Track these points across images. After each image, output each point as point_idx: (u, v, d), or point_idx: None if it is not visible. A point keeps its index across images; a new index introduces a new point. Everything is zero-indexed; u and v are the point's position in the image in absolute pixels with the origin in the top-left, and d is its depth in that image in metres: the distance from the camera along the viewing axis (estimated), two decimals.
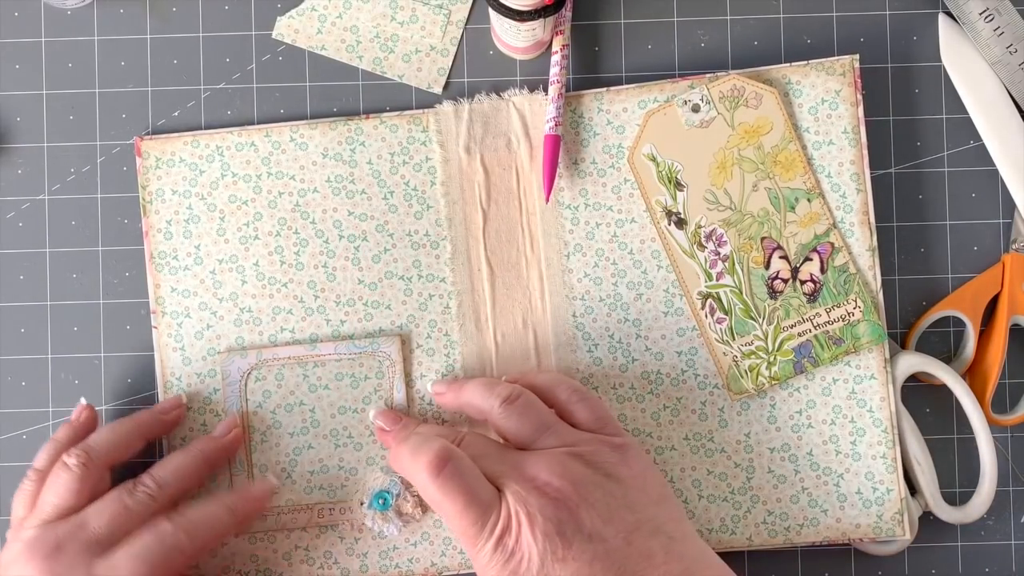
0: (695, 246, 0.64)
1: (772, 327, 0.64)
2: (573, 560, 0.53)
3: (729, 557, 0.65)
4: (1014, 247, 0.65)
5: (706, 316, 0.64)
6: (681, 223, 0.64)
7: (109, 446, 0.60)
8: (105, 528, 0.57)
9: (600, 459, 0.56)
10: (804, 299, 0.64)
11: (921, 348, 0.66)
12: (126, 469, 0.62)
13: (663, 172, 0.64)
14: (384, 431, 0.62)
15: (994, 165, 0.66)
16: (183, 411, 0.64)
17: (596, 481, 0.55)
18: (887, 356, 0.64)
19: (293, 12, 0.66)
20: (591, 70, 0.66)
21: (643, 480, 0.57)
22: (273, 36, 0.66)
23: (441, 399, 0.63)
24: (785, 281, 0.64)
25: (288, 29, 0.66)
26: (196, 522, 0.59)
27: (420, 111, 0.65)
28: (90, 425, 0.62)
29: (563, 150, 0.64)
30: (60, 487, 0.58)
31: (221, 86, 0.66)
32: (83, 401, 0.63)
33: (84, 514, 0.58)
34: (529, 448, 0.57)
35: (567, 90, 0.65)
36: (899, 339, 0.66)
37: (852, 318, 0.63)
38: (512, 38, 0.63)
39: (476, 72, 0.66)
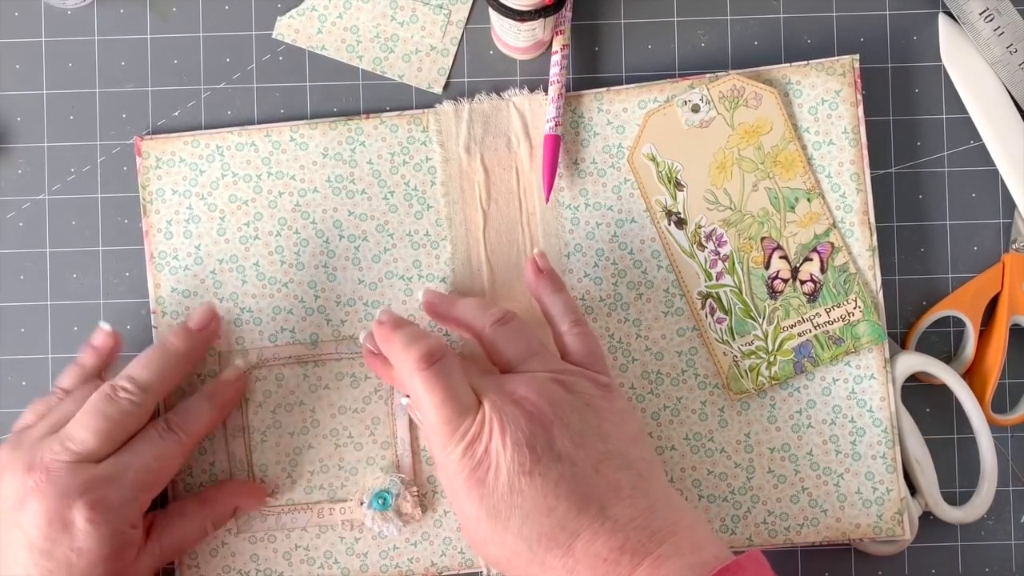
0: (695, 246, 0.64)
1: (772, 327, 0.64)
2: (539, 476, 0.53)
3: None
4: (1014, 247, 0.65)
5: (706, 316, 0.64)
6: (681, 223, 0.64)
7: (161, 387, 0.60)
8: (143, 472, 0.58)
9: (581, 389, 0.57)
10: (804, 299, 0.64)
11: (921, 348, 0.66)
12: None
13: (663, 172, 0.64)
14: (372, 353, 0.62)
15: (994, 165, 0.66)
16: (219, 321, 0.63)
17: (574, 406, 0.55)
18: (887, 356, 0.64)
19: (293, 12, 0.66)
20: (591, 70, 0.66)
21: (621, 417, 0.57)
22: (273, 36, 0.66)
23: (431, 309, 0.62)
24: (785, 281, 0.64)
25: (288, 29, 0.66)
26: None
27: (420, 111, 0.65)
28: (114, 352, 0.62)
29: (563, 150, 0.64)
30: (104, 422, 0.57)
31: (221, 86, 0.66)
32: (106, 326, 0.62)
33: (122, 459, 0.57)
34: (514, 371, 0.58)
35: (567, 90, 0.65)
36: (899, 339, 0.66)
37: (852, 318, 0.63)
38: (512, 38, 0.63)
39: (476, 72, 0.66)
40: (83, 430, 0.57)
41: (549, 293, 0.61)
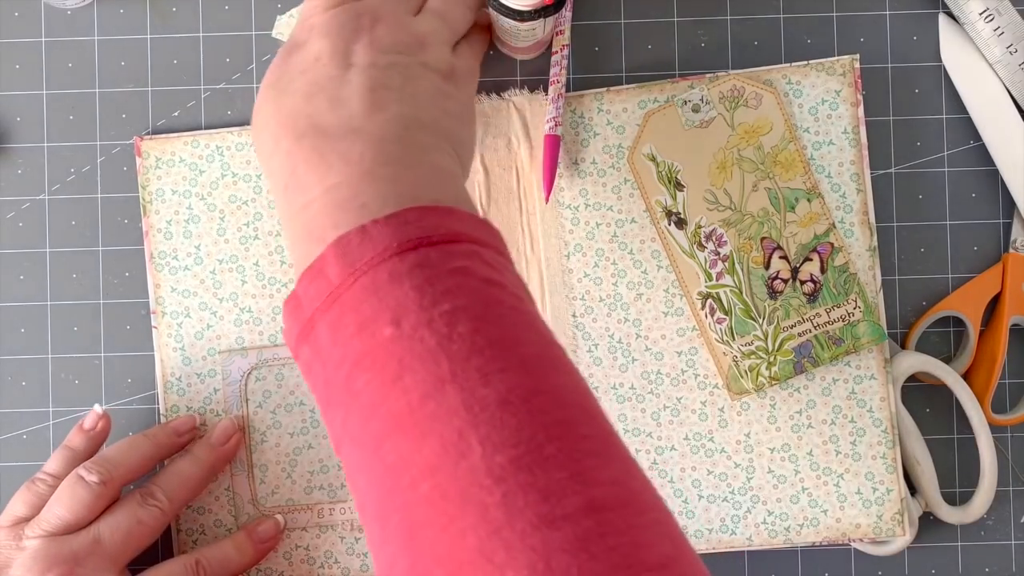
0: (695, 246, 0.64)
1: (772, 327, 0.64)
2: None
3: (729, 557, 0.65)
4: (1014, 247, 0.65)
5: (706, 316, 0.64)
6: (681, 223, 0.64)
7: (129, 467, 0.60)
8: (120, 543, 0.58)
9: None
10: (804, 299, 0.64)
11: (921, 348, 0.66)
12: None
13: (663, 172, 0.64)
14: None
15: (994, 165, 0.65)
16: (196, 433, 0.64)
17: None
18: (887, 356, 0.64)
19: (293, 11, 0.66)
20: (591, 70, 0.66)
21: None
22: (273, 35, 0.66)
23: None
24: (785, 281, 0.64)
25: (288, 28, 0.66)
26: (214, 563, 0.61)
27: None
28: (105, 435, 0.62)
29: (563, 150, 0.64)
30: (75, 503, 0.58)
31: (221, 86, 0.66)
32: (99, 409, 0.62)
33: (97, 528, 0.58)
34: None
35: (567, 90, 0.65)
36: (899, 339, 0.66)
37: (852, 318, 0.63)
38: (512, 38, 0.63)
39: None
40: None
41: None
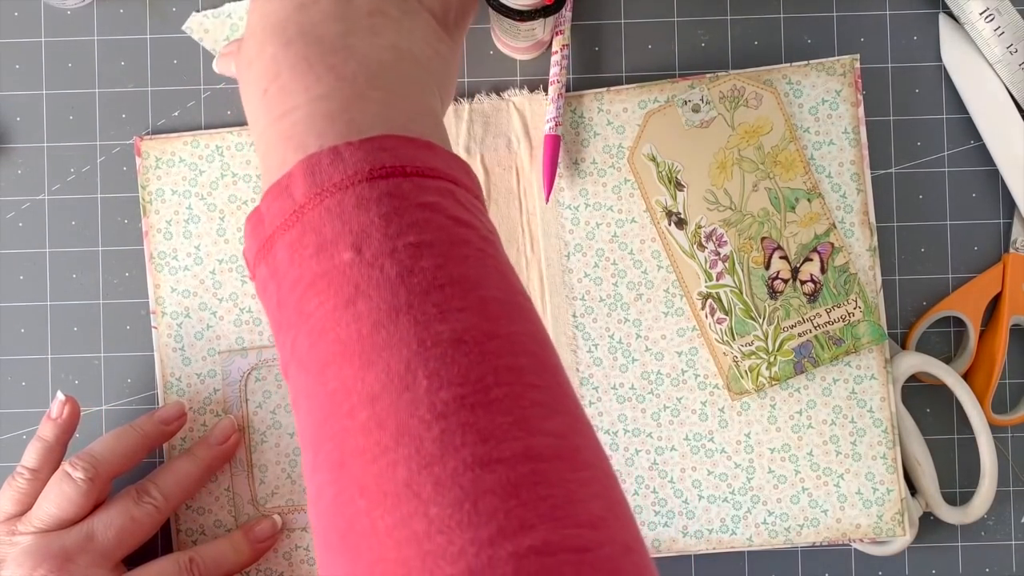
0: (695, 246, 0.64)
1: (772, 327, 0.64)
2: None
3: (729, 557, 0.65)
4: (1014, 247, 0.65)
5: (706, 316, 0.64)
6: (681, 223, 0.64)
7: (115, 459, 0.60)
8: (113, 540, 0.58)
9: None
10: (804, 299, 0.64)
11: (921, 348, 0.66)
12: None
13: (663, 172, 0.64)
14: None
15: (994, 165, 0.65)
16: (185, 419, 0.63)
17: None
18: (887, 356, 0.64)
19: (209, 12, 0.66)
20: (591, 70, 0.66)
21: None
22: (183, 29, 0.65)
23: None
24: (785, 281, 0.64)
25: (200, 28, 0.65)
26: (208, 561, 0.61)
27: None
28: (74, 420, 0.61)
29: (563, 150, 0.64)
30: (63, 500, 0.58)
31: (221, 86, 0.66)
32: (61, 396, 0.61)
33: (90, 524, 0.58)
34: None
35: (567, 90, 0.65)
36: (899, 339, 0.66)
37: (852, 318, 0.63)
38: (512, 38, 0.63)
39: (476, 72, 0.66)
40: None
41: None
